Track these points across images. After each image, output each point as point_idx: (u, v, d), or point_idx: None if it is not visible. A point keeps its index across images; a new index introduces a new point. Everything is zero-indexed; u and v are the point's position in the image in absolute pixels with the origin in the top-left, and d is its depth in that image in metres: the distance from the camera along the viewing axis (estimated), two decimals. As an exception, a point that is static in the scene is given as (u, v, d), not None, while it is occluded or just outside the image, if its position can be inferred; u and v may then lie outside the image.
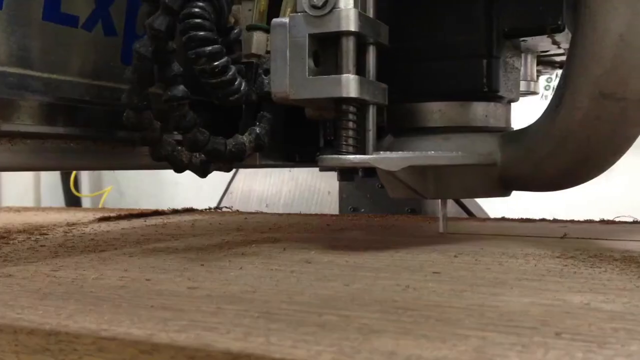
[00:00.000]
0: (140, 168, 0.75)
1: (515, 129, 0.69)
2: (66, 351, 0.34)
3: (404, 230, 0.80)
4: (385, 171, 0.59)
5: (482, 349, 0.29)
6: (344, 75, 0.56)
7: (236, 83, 0.56)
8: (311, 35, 0.56)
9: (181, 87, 0.56)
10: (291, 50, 0.56)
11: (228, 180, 1.41)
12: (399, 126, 0.68)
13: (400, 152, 0.62)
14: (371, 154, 0.59)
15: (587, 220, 0.87)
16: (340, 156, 0.58)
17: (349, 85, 0.56)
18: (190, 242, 0.68)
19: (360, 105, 0.59)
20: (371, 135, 0.60)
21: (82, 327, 0.35)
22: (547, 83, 2.02)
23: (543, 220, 0.88)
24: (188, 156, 0.60)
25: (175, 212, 1.09)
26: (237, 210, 1.13)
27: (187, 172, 0.63)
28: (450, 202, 1.14)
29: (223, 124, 0.65)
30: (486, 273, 0.48)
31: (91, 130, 0.65)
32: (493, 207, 1.25)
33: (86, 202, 2.42)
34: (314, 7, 0.56)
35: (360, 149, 0.60)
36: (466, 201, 1.17)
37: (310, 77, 0.56)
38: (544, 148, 0.61)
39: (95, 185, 2.44)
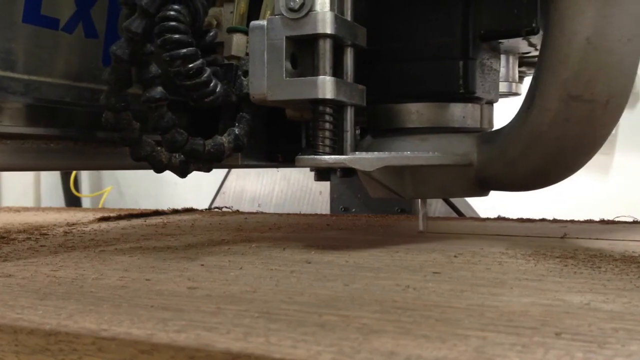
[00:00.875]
0: (122, 168, 0.76)
1: (491, 130, 0.70)
2: (66, 351, 0.34)
3: (407, 230, 0.80)
4: (362, 171, 0.60)
5: (482, 349, 0.29)
6: (320, 77, 0.57)
7: (211, 85, 0.57)
8: (288, 38, 0.57)
9: (159, 88, 0.56)
10: (269, 52, 0.58)
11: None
12: (378, 127, 0.70)
13: (375, 152, 0.63)
14: (349, 155, 0.60)
15: (587, 220, 0.87)
16: (315, 157, 0.59)
17: (325, 86, 0.57)
18: (190, 242, 0.68)
19: (337, 106, 0.60)
20: (349, 135, 0.61)
21: (82, 327, 0.35)
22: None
23: (543, 220, 0.88)
24: (167, 156, 0.61)
25: (175, 212, 1.09)
26: (237, 210, 1.13)
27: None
28: (440, 202, 1.16)
29: (206, 124, 0.66)
30: (486, 273, 0.48)
31: (71, 131, 0.66)
32: (492, 205, 1.25)
33: (86, 202, 2.42)
34: (291, 10, 0.57)
35: (338, 150, 0.61)
36: (456, 201, 1.18)
37: (288, 78, 0.57)
38: (516, 148, 0.62)
39: (95, 185, 2.44)
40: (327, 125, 0.59)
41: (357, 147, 0.67)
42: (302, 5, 0.57)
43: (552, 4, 0.56)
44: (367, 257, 0.56)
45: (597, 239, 0.67)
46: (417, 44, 0.67)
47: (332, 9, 0.57)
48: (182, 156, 0.61)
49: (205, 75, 0.57)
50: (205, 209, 1.13)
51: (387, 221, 0.92)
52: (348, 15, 0.61)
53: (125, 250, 0.62)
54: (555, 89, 0.57)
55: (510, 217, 0.92)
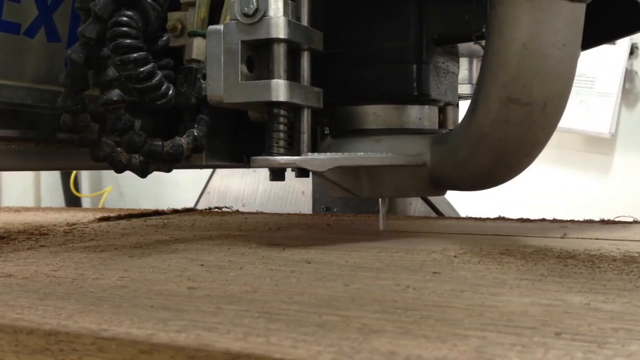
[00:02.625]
0: (84, 169, 0.78)
1: (445, 131, 0.72)
2: (66, 351, 0.34)
3: (410, 231, 0.80)
4: (315, 172, 0.62)
5: (482, 349, 0.29)
6: (274, 80, 0.60)
7: (163, 88, 0.59)
8: (243, 42, 0.59)
9: (116, 91, 0.58)
10: (225, 56, 0.60)
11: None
12: (338, 128, 0.72)
13: (328, 153, 0.65)
14: (304, 155, 0.62)
15: (587, 220, 0.87)
16: (268, 157, 0.61)
17: (279, 89, 0.60)
18: (190, 242, 0.68)
19: (291, 108, 0.62)
20: (305, 137, 0.64)
21: (82, 327, 0.35)
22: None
23: (543, 220, 0.88)
24: (127, 157, 0.62)
25: (175, 212, 1.09)
26: (237, 210, 1.13)
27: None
28: (419, 202, 1.17)
29: (174, 126, 0.68)
30: (486, 273, 0.48)
31: (32, 133, 0.67)
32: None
33: (86, 202, 2.42)
34: (246, 15, 0.59)
35: (295, 150, 0.63)
36: (436, 201, 1.19)
37: (243, 81, 0.60)
38: (464, 149, 0.64)
39: (95, 185, 2.44)
40: (282, 127, 0.62)
41: (317, 148, 0.71)
42: (256, 11, 0.59)
43: (492, 10, 0.58)
44: (367, 257, 0.56)
45: (597, 239, 0.67)
46: (373, 48, 0.69)
47: (285, 14, 0.60)
48: (141, 157, 0.62)
49: (156, 78, 0.59)
50: (205, 209, 1.13)
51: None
52: (304, 20, 0.63)
53: (125, 250, 0.62)
54: (496, 92, 0.59)
55: (509, 217, 0.92)
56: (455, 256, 0.55)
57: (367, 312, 0.36)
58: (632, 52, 1.95)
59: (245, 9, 0.59)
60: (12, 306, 0.40)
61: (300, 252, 0.59)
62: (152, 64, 0.58)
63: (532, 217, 0.90)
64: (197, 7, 0.66)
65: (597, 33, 0.75)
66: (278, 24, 0.59)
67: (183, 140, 0.63)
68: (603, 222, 0.84)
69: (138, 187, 2.33)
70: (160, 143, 0.61)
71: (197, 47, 0.66)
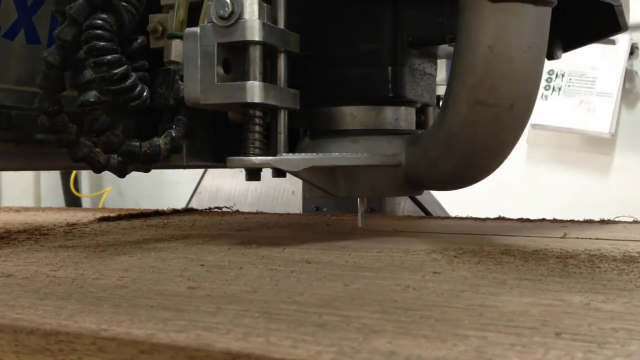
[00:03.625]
0: (64, 169, 0.79)
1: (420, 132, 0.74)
2: (66, 351, 0.34)
3: (408, 230, 0.80)
4: (291, 172, 0.64)
5: (482, 349, 0.29)
6: (249, 82, 0.61)
7: (137, 89, 0.60)
8: (220, 44, 0.61)
9: (93, 92, 0.60)
10: (202, 58, 0.61)
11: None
12: (316, 129, 0.73)
13: (303, 153, 0.66)
14: (280, 156, 0.63)
15: (587, 220, 0.87)
16: (243, 158, 0.62)
17: (254, 91, 0.61)
18: (190, 242, 0.68)
19: (268, 109, 0.64)
20: (282, 137, 0.65)
21: (82, 327, 0.35)
22: (547, 83, 2.02)
23: (543, 220, 0.88)
24: (105, 157, 0.63)
25: (175, 212, 1.09)
26: (237, 210, 1.13)
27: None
28: (408, 201, 1.18)
29: (155, 127, 0.69)
30: (486, 273, 0.48)
31: (12, 134, 0.68)
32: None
33: (86, 202, 2.42)
34: (221, 18, 0.60)
35: (272, 151, 0.65)
36: (424, 201, 1.20)
37: (219, 83, 0.61)
38: (436, 150, 0.66)
39: (95, 185, 2.44)
40: (257, 128, 0.63)
41: (296, 148, 0.73)
42: (231, 14, 0.60)
43: (460, 14, 0.60)
44: (367, 257, 0.56)
45: (597, 239, 0.67)
46: (349, 50, 0.70)
47: (261, 17, 0.61)
48: (119, 157, 0.63)
49: (130, 80, 0.59)
50: (205, 209, 1.13)
51: (386, 222, 0.92)
52: (281, 23, 0.65)
53: (125, 250, 0.62)
54: (464, 94, 0.61)
55: (509, 217, 0.92)
56: (455, 256, 0.55)
57: (367, 312, 0.36)
58: (632, 52, 1.95)
59: (221, 11, 0.60)
60: (12, 306, 0.40)
61: (300, 252, 0.59)
62: (125, 65, 0.59)
63: (532, 217, 0.90)
64: (176, 10, 0.67)
65: (577, 35, 0.80)
66: (253, 26, 0.60)
67: (161, 141, 0.64)
68: (603, 222, 0.84)
69: (138, 187, 2.33)
70: (137, 143, 0.62)
71: (176, 49, 0.67)
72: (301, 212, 1.20)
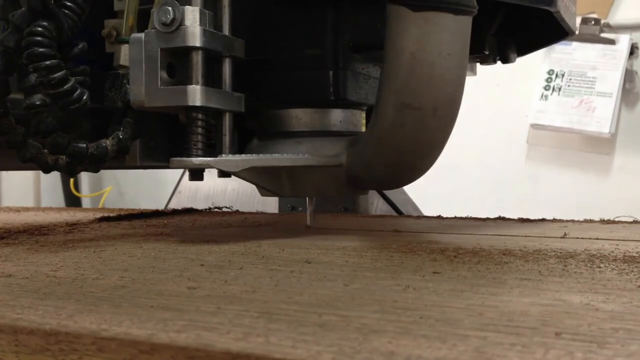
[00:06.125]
0: (14, 169, 0.80)
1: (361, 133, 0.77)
2: (66, 351, 0.34)
3: (405, 229, 0.80)
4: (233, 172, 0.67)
5: (482, 349, 0.29)
6: (191, 86, 0.64)
7: (76, 94, 0.62)
8: (163, 50, 0.63)
9: (39, 95, 0.62)
10: (146, 63, 0.64)
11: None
12: (265, 130, 0.77)
13: (243, 154, 0.69)
14: (225, 156, 0.66)
15: (587, 220, 0.87)
16: (184, 159, 0.65)
17: (195, 95, 0.64)
18: (190, 242, 0.68)
19: (212, 112, 0.67)
20: (227, 139, 0.69)
21: (82, 327, 0.35)
22: (547, 83, 2.02)
23: (543, 220, 0.88)
24: (53, 158, 0.65)
25: (175, 212, 1.09)
26: (237, 211, 1.13)
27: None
28: (381, 201, 1.19)
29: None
30: (486, 273, 0.48)
31: None
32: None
33: (86, 202, 2.42)
34: (164, 24, 0.63)
35: (218, 152, 0.68)
36: (397, 200, 1.20)
37: (162, 87, 0.64)
38: (369, 151, 0.69)
39: (95, 185, 2.44)
40: (200, 130, 0.66)
41: (246, 149, 0.76)
42: (173, 20, 0.63)
43: (387, 22, 0.63)
44: (367, 257, 0.56)
45: (597, 239, 0.67)
46: (294, 55, 0.74)
47: (202, 24, 0.64)
48: (67, 158, 0.65)
49: (69, 84, 0.61)
50: (205, 209, 1.13)
51: (383, 221, 0.92)
52: (225, 29, 0.68)
53: (125, 250, 0.62)
54: (391, 97, 0.64)
55: (511, 217, 0.92)
56: (455, 256, 0.55)
57: (367, 312, 0.36)
58: (632, 52, 1.95)
59: (163, 18, 0.63)
60: (12, 306, 0.40)
61: (300, 252, 0.59)
62: (64, 70, 0.61)
63: (532, 217, 0.90)
64: (126, 15, 0.70)
65: (531, 41, 0.86)
66: (194, 33, 0.63)
67: (108, 142, 0.66)
68: (603, 222, 0.84)
69: (138, 187, 2.33)
70: (84, 145, 0.65)
71: (125, 54, 0.69)
72: (277, 212, 1.20)
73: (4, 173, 2.37)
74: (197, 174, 0.71)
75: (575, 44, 1.98)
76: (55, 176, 2.31)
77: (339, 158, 0.70)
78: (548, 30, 0.82)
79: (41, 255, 0.60)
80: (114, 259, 0.57)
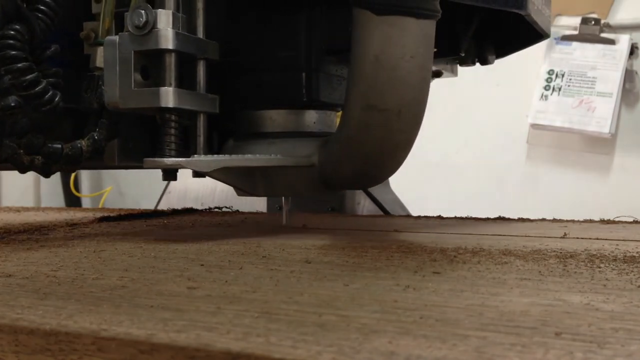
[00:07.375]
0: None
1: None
2: (66, 351, 0.34)
3: (404, 228, 0.80)
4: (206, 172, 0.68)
5: (482, 349, 0.29)
6: (163, 87, 0.65)
7: (47, 95, 0.63)
8: (136, 52, 0.64)
9: (13, 97, 0.63)
10: (120, 65, 0.65)
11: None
12: (241, 131, 0.78)
13: (216, 155, 0.70)
14: (199, 157, 0.67)
15: (587, 220, 0.87)
16: (156, 159, 0.66)
17: (168, 96, 0.65)
18: (190, 242, 0.68)
19: (186, 113, 0.68)
20: (201, 140, 0.70)
21: (82, 327, 0.35)
22: (547, 83, 2.03)
23: (543, 220, 0.88)
24: (29, 158, 0.66)
25: (175, 212, 1.09)
26: (237, 211, 1.13)
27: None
28: (367, 200, 1.19)
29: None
30: (486, 273, 0.48)
31: None
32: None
33: (86, 202, 2.42)
34: (137, 27, 0.64)
35: (192, 152, 0.69)
36: (384, 200, 1.20)
37: (136, 89, 0.65)
38: (338, 152, 0.70)
39: (95, 185, 2.44)
40: (173, 131, 0.67)
41: (221, 150, 0.77)
42: (145, 23, 0.64)
43: (352, 25, 0.64)
44: (367, 257, 0.56)
45: (597, 239, 0.67)
46: (269, 57, 0.75)
47: (175, 27, 0.65)
48: (43, 158, 0.66)
49: (40, 86, 0.63)
50: (205, 209, 1.13)
51: (384, 221, 0.92)
52: (200, 32, 0.69)
53: (125, 250, 0.62)
54: (357, 99, 0.65)
55: (511, 217, 0.92)
56: (455, 256, 0.55)
57: (367, 312, 0.36)
58: (632, 52, 1.95)
59: (137, 21, 0.64)
60: (12, 306, 0.40)
61: (300, 252, 0.59)
62: (36, 73, 0.62)
63: (532, 217, 0.90)
64: (102, 18, 0.70)
65: (508, 43, 0.88)
66: (167, 35, 0.64)
67: (83, 143, 0.67)
68: (603, 222, 0.84)
69: (138, 187, 2.33)
70: (59, 145, 0.66)
71: (101, 56, 0.70)
72: (265, 211, 1.20)
73: (4, 173, 2.37)
74: (170, 174, 0.72)
75: (575, 44, 1.97)
76: (55, 176, 2.31)
77: (311, 158, 0.71)
78: (524, 33, 0.83)
79: (41, 255, 0.60)
80: (114, 259, 0.57)
